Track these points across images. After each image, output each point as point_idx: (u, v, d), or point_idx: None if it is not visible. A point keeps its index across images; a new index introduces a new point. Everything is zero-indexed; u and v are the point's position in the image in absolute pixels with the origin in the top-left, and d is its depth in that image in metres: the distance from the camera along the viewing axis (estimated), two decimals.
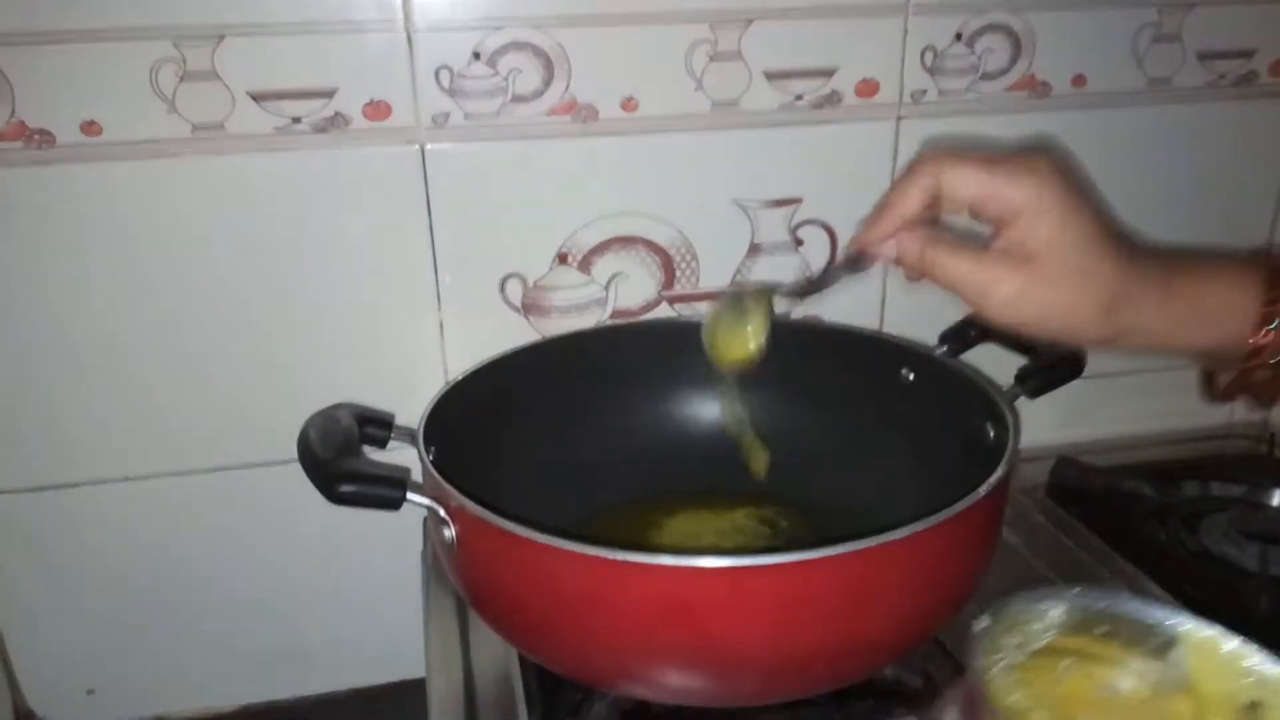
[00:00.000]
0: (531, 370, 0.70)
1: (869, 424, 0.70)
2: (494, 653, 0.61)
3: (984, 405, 0.60)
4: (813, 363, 0.73)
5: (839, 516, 0.66)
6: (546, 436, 0.70)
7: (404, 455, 0.62)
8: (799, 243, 0.79)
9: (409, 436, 0.59)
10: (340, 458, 0.50)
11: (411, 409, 0.62)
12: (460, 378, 0.64)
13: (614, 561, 0.44)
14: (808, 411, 0.73)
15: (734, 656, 0.46)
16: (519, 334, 0.76)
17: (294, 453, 0.51)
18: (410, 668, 0.69)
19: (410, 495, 0.50)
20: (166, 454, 0.74)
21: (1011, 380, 0.62)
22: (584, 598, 0.46)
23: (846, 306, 0.79)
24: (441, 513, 0.50)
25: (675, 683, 0.48)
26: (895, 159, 0.78)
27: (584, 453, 0.71)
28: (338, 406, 0.57)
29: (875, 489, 0.67)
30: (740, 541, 0.67)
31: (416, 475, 0.53)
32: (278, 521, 0.77)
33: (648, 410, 0.74)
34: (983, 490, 0.48)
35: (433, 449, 0.59)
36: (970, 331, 0.68)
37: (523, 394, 0.69)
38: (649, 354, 0.74)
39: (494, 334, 0.75)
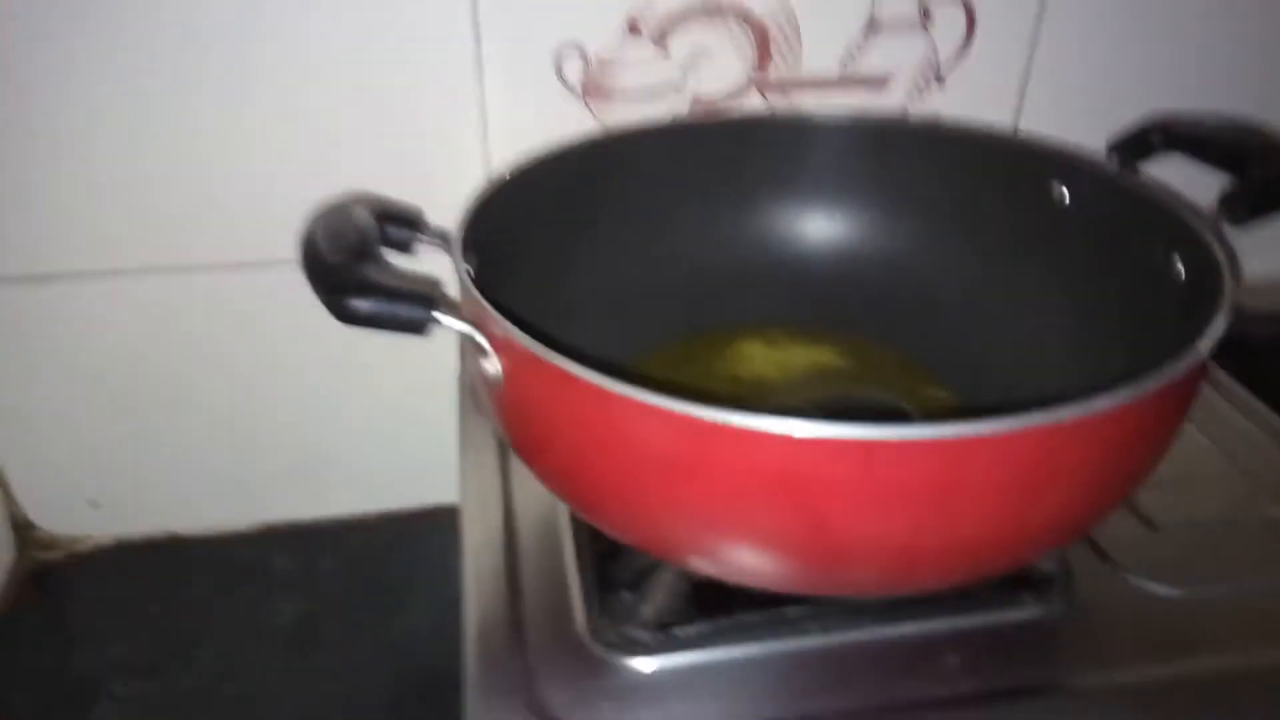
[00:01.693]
0: (592, 170, 0.57)
1: (1006, 256, 0.56)
2: (541, 504, 0.52)
3: (1173, 233, 0.46)
4: (931, 173, 0.59)
5: (964, 371, 0.55)
6: (607, 253, 0.58)
7: (432, 264, 0.50)
8: (928, 19, 0.63)
9: (441, 240, 0.47)
10: (353, 264, 0.39)
11: (443, 207, 0.50)
12: (509, 174, 0.51)
13: (716, 425, 0.33)
14: (924, 237, 0.60)
15: (857, 547, 0.35)
16: (576, 121, 0.63)
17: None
18: (444, 492, 0.61)
19: (441, 317, 0.39)
20: (162, 247, 0.63)
21: (1217, 199, 0.48)
22: (669, 465, 0.35)
23: (972, 94, 0.64)
24: (482, 342, 0.39)
25: (775, 570, 0.38)
26: None
27: (650, 273, 0.59)
28: (353, 199, 0.45)
29: (1013, 341, 0.55)
30: (837, 390, 0.56)
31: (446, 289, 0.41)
32: (291, 327, 0.67)
33: (730, 224, 0.62)
34: (1201, 350, 0.36)
35: (473, 258, 0.47)
36: (1151, 137, 0.53)
37: (580, 199, 0.57)
38: (734, 156, 0.61)
39: (546, 120, 0.62)
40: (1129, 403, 0.33)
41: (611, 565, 0.47)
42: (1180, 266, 0.46)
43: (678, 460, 0.35)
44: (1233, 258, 0.42)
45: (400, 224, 0.47)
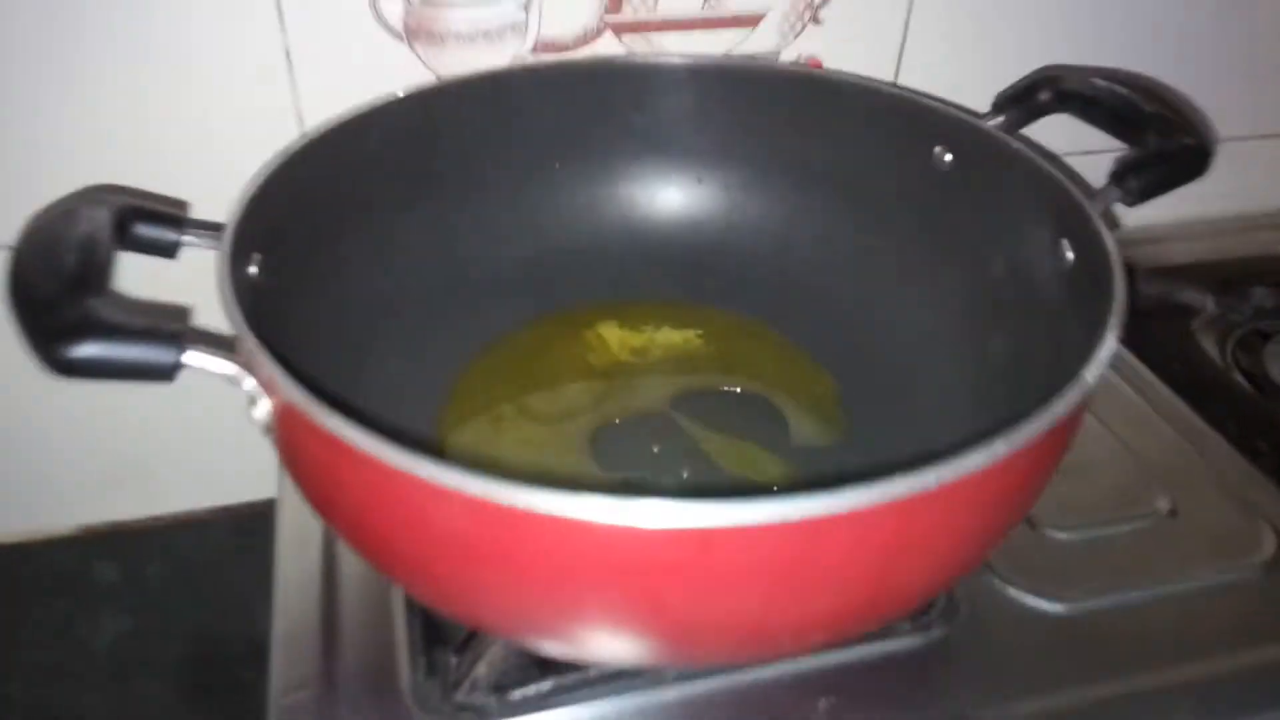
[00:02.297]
0: (413, 132, 0.49)
1: (885, 224, 0.51)
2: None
3: (1059, 211, 0.41)
4: (804, 130, 0.53)
5: (843, 351, 0.50)
6: (438, 230, 0.51)
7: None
8: None
9: (212, 236, 0.39)
10: (71, 295, 0.31)
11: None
12: (301, 144, 0.43)
13: (523, 512, 0.26)
14: (797, 202, 0.54)
15: (703, 629, 0.30)
16: (404, 71, 0.54)
17: None
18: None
19: (191, 357, 0.31)
20: None
21: (1106, 178, 0.43)
22: (471, 548, 0.29)
23: (851, 35, 0.58)
24: (248, 386, 0.32)
25: (611, 652, 0.32)
26: None
27: (490, 250, 0.53)
28: (84, 196, 0.36)
29: (894, 317, 0.50)
30: (702, 382, 0.50)
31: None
32: None
33: (581, 191, 0.55)
34: (1087, 380, 0.31)
35: (255, 257, 0.39)
36: (1039, 94, 0.48)
37: (400, 168, 0.49)
38: (587, 109, 0.53)
39: (367, 71, 0.53)
40: (1004, 458, 0.28)
41: (437, 631, 0.41)
42: (1069, 252, 0.41)
43: (480, 544, 0.28)
44: (1118, 251, 0.37)
45: (156, 221, 0.38)
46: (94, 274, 0.32)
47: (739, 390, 0.50)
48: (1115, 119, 0.44)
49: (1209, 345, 0.60)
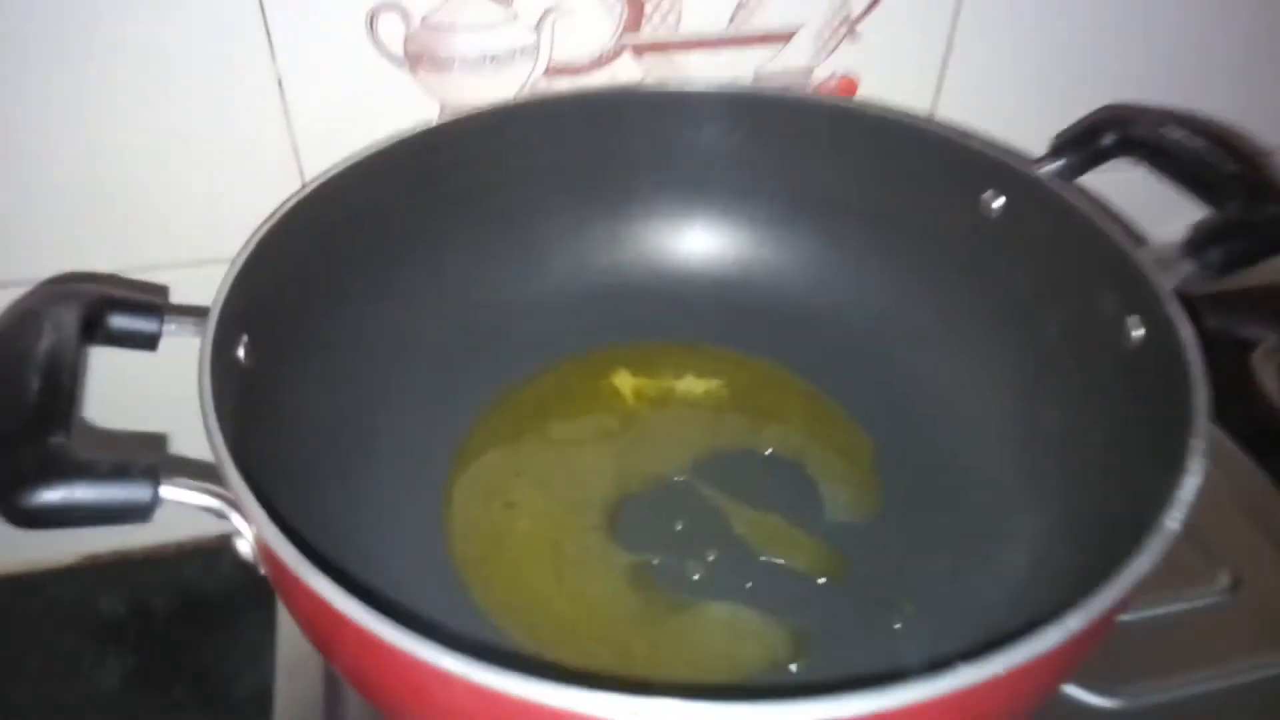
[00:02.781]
0: (410, 176, 0.45)
1: (925, 274, 0.47)
2: None
3: (1124, 280, 0.37)
4: (839, 165, 0.49)
5: (878, 409, 0.46)
6: (445, 276, 0.48)
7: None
8: None
9: (194, 321, 0.35)
10: (30, 433, 0.28)
11: (243, 231, 0.38)
12: (289, 208, 0.40)
13: (516, 700, 0.24)
14: (830, 245, 0.50)
15: None
16: (405, 99, 0.50)
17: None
18: None
19: (169, 492, 0.28)
20: None
21: (1183, 239, 0.38)
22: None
23: (891, 49, 0.53)
24: (234, 521, 0.29)
25: None
26: None
27: (497, 297, 0.49)
28: (50, 295, 0.33)
29: (933, 375, 0.46)
30: (727, 442, 0.47)
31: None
32: None
33: (599, 231, 0.51)
34: (1155, 547, 0.28)
35: (244, 339, 0.36)
36: (1103, 138, 0.43)
37: (404, 215, 0.45)
38: (602, 142, 0.50)
39: (366, 101, 0.49)
40: (1079, 632, 0.25)
41: None
42: (1135, 330, 0.37)
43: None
44: (1195, 341, 0.34)
45: (133, 312, 0.35)
46: (58, 403, 0.29)
47: (768, 453, 0.46)
48: (1190, 176, 0.39)
49: (1270, 381, 0.56)
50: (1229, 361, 0.57)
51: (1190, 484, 0.29)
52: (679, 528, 0.43)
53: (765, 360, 0.50)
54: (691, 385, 0.49)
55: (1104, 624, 0.26)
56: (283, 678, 0.43)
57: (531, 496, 0.45)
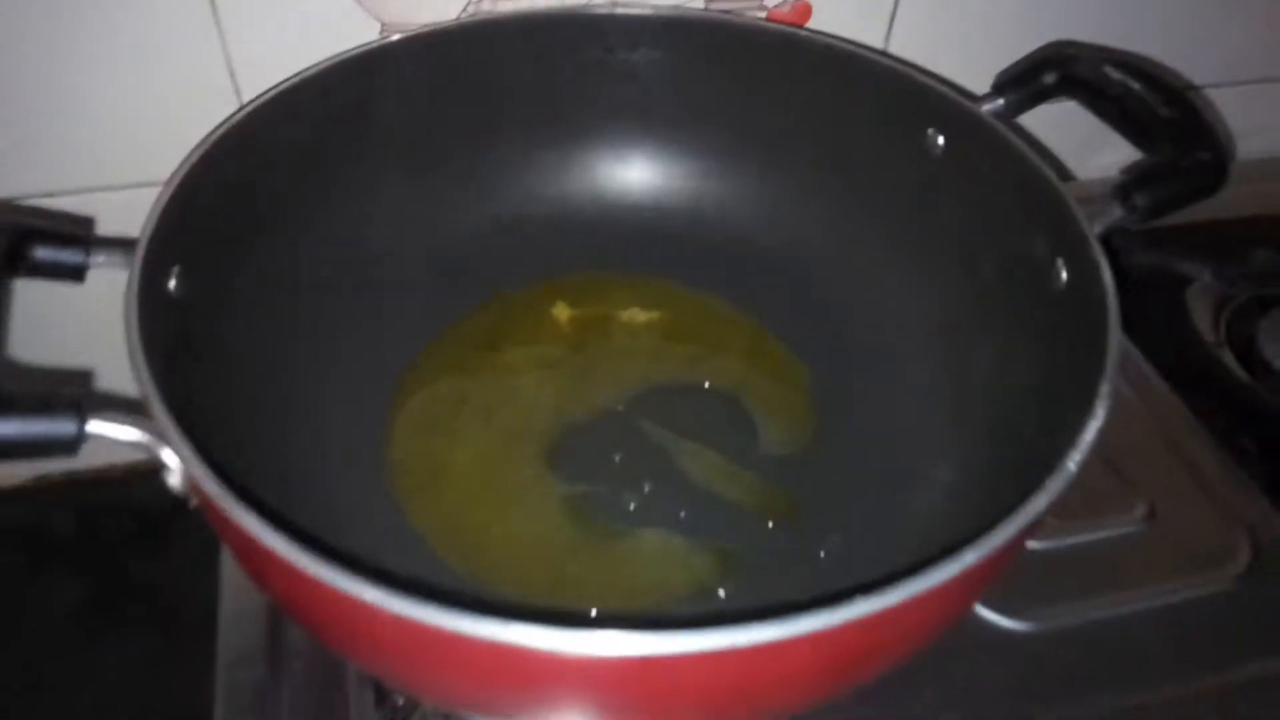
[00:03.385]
0: (348, 102, 0.44)
1: (868, 209, 0.47)
2: None
3: (1055, 224, 0.38)
4: (786, 95, 0.48)
5: (818, 343, 0.47)
6: (384, 207, 0.47)
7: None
8: None
9: (122, 254, 0.35)
10: None
11: (176, 156, 0.38)
12: (219, 133, 0.39)
13: (439, 631, 0.24)
14: (772, 169, 0.50)
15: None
16: (345, 19, 0.49)
17: None
18: None
19: (96, 426, 0.29)
20: None
21: (1114, 183, 0.39)
22: (405, 656, 0.27)
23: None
24: (161, 455, 0.29)
25: None
26: None
27: (439, 227, 0.49)
28: None
29: (873, 310, 0.47)
30: (670, 373, 0.47)
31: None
32: None
33: (541, 159, 0.50)
34: (1070, 467, 0.29)
35: (175, 271, 0.36)
36: (1044, 77, 0.43)
37: (339, 141, 0.45)
38: (548, 66, 0.49)
39: (305, 21, 0.48)
40: (972, 565, 0.26)
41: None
42: (1063, 273, 0.38)
43: (411, 653, 0.27)
44: (1113, 283, 0.34)
45: (57, 243, 0.34)
46: None
47: (706, 385, 0.47)
48: (1127, 118, 0.40)
49: (1202, 318, 0.58)
50: (1163, 297, 0.59)
51: (1092, 427, 0.30)
52: (617, 459, 0.44)
53: (707, 292, 0.50)
54: (633, 317, 0.50)
55: (1001, 557, 0.27)
56: (227, 597, 0.44)
57: (472, 427, 0.45)
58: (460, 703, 0.30)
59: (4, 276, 0.31)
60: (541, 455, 0.44)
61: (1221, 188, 0.38)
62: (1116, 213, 0.38)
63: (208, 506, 0.29)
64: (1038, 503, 0.28)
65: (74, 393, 0.28)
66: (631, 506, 0.42)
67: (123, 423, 0.29)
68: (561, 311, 0.49)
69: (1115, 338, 0.32)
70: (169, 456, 0.29)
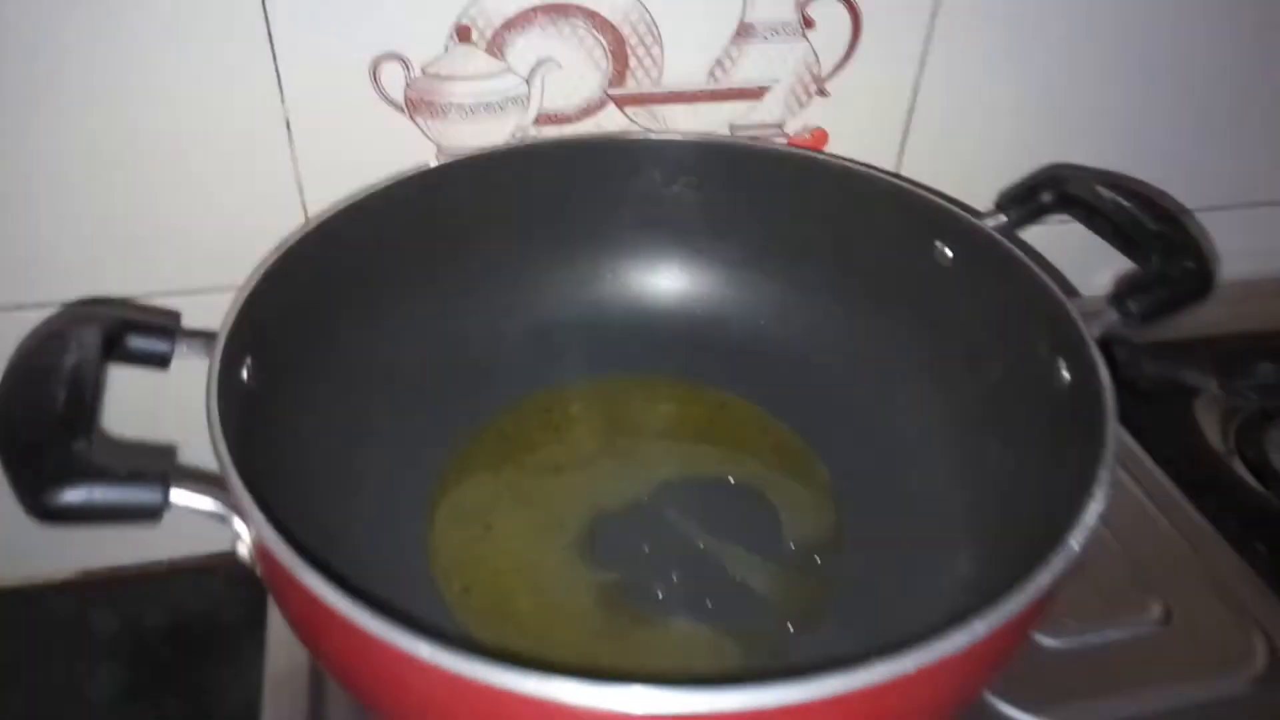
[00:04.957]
0: (407, 214, 0.49)
1: (882, 316, 0.51)
2: None
3: (1056, 329, 0.41)
4: (805, 212, 0.53)
5: (837, 443, 0.50)
6: (436, 308, 0.51)
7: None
8: (808, 24, 0.55)
9: (204, 345, 0.39)
10: (57, 439, 0.31)
11: (249, 261, 0.42)
12: (294, 240, 0.43)
13: (485, 687, 0.26)
14: (793, 279, 0.54)
15: None
16: (405, 142, 0.54)
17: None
18: None
19: (177, 496, 0.31)
20: None
21: (1109, 291, 0.42)
22: (439, 710, 0.29)
23: (857, 107, 0.57)
24: (235, 526, 0.32)
25: None
26: None
27: (489, 328, 0.53)
28: (74, 317, 0.36)
29: (888, 413, 0.50)
30: (698, 471, 0.50)
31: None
32: None
33: (581, 269, 0.54)
34: (1073, 544, 0.31)
35: (248, 361, 0.39)
36: (1042, 195, 0.47)
37: (398, 250, 0.49)
38: (587, 184, 0.53)
39: (367, 142, 0.53)
40: (984, 637, 0.28)
41: None
42: (1065, 372, 0.41)
43: (456, 711, 0.28)
44: (1112, 383, 0.37)
45: (148, 334, 0.38)
46: (81, 413, 0.32)
47: (731, 481, 0.49)
48: (1118, 232, 0.43)
49: (1211, 428, 0.60)
50: (1173, 409, 0.61)
51: (1094, 509, 0.32)
52: (646, 549, 0.46)
53: (732, 393, 0.53)
54: (663, 416, 0.53)
55: (1009, 633, 0.29)
56: (270, 692, 0.45)
57: (509, 518, 0.48)
58: None
59: (103, 361, 0.34)
60: (574, 544, 0.46)
61: (1208, 296, 0.41)
62: (1112, 318, 0.41)
63: (272, 572, 0.31)
64: (1041, 579, 0.30)
65: (160, 466, 0.31)
66: (660, 595, 0.44)
67: (202, 493, 0.32)
68: (598, 410, 0.52)
69: (1113, 427, 0.34)
70: (239, 526, 0.32)
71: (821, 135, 0.59)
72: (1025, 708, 0.43)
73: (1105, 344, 0.39)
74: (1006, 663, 0.33)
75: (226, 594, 0.68)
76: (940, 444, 0.47)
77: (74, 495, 0.30)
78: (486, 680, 0.26)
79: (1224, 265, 0.69)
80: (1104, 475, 0.33)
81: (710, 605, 0.44)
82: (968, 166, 0.56)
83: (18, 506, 0.60)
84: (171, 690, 0.63)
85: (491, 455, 0.50)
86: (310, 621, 0.31)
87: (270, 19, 0.48)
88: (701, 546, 0.46)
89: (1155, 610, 0.48)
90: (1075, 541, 0.31)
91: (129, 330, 0.37)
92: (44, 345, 0.34)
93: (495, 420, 0.51)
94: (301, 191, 0.54)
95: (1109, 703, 0.44)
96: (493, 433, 0.51)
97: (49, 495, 0.30)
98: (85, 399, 0.32)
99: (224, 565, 0.68)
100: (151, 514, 0.31)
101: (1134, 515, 0.53)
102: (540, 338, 0.54)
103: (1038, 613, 0.32)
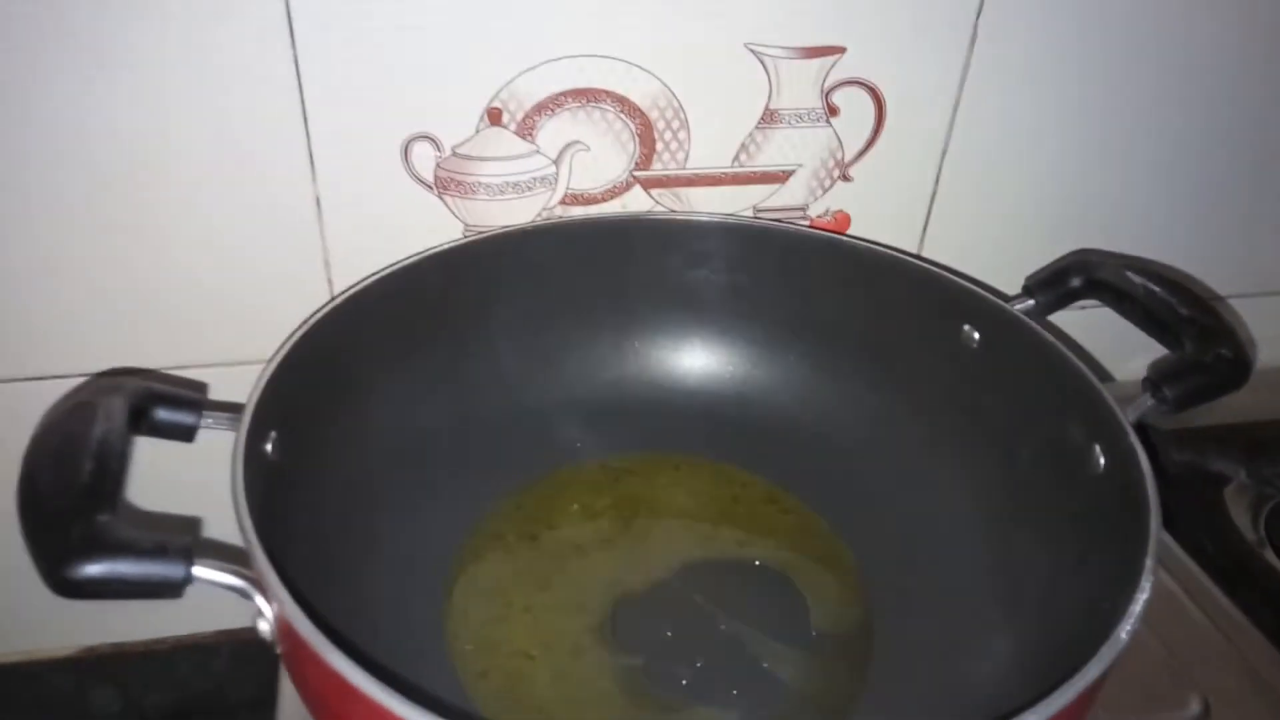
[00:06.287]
0: (432, 291, 0.49)
1: (908, 399, 0.50)
2: None
3: (1090, 414, 0.41)
4: (830, 293, 0.53)
5: (861, 527, 0.49)
6: (457, 384, 0.51)
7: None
8: (833, 112, 0.56)
9: (229, 418, 0.38)
10: (80, 512, 0.30)
11: (275, 335, 0.42)
12: (320, 316, 0.43)
13: None
14: (818, 361, 0.53)
15: None
16: (432, 219, 0.54)
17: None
18: None
19: (201, 571, 0.31)
20: None
21: (1144, 376, 0.42)
22: None
23: (881, 191, 0.57)
24: (258, 603, 0.31)
25: None
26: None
27: (506, 404, 0.52)
28: (102, 387, 0.36)
29: (913, 498, 0.49)
30: (718, 552, 0.49)
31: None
32: None
33: (603, 345, 0.54)
34: (1122, 635, 0.30)
35: (272, 436, 0.39)
36: (1071, 280, 0.47)
37: (423, 325, 0.49)
38: (611, 264, 0.54)
39: (395, 219, 0.53)
40: None
41: None
42: (1101, 458, 0.40)
43: None
44: (1152, 472, 0.36)
45: (175, 406, 0.38)
46: (106, 485, 0.31)
47: (756, 563, 0.49)
48: (1149, 318, 0.43)
49: (1241, 517, 0.58)
50: (1203, 497, 0.60)
51: (1141, 599, 0.31)
52: (669, 633, 0.45)
53: (756, 474, 0.52)
54: (686, 497, 0.52)
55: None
56: None
57: (529, 598, 0.47)
58: None
59: (129, 433, 0.34)
60: (596, 627, 0.45)
61: (1244, 383, 0.40)
62: (1148, 403, 0.40)
63: (294, 649, 0.30)
64: (1091, 671, 0.29)
65: (185, 540, 0.31)
66: (684, 681, 0.43)
67: (225, 570, 0.31)
68: (620, 490, 0.51)
69: (1154, 515, 0.34)
70: (262, 603, 0.31)
71: (844, 218, 0.59)
72: None
73: (1141, 429, 0.38)
74: None
75: (231, 673, 0.66)
76: (970, 530, 0.46)
77: (96, 569, 0.29)
78: None
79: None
80: (1148, 565, 0.32)
81: (736, 694, 0.42)
82: (989, 252, 0.56)
83: (19, 580, 0.60)
84: None
85: (510, 533, 0.49)
86: (331, 700, 0.30)
87: (305, 97, 0.49)
88: (725, 629, 0.45)
89: (1194, 706, 0.46)
90: (1124, 632, 0.30)
91: (156, 402, 0.37)
92: (71, 415, 0.34)
93: (515, 498, 0.50)
94: (329, 267, 0.54)
95: None
96: (513, 510, 0.50)
97: (71, 568, 0.29)
98: (111, 470, 0.32)
99: (229, 643, 0.67)
100: (174, 589, 0.31)
101: (1167, 605, 0.52)
102: (562, 415, 0.53)
103: (1085, 707, 0.30)
